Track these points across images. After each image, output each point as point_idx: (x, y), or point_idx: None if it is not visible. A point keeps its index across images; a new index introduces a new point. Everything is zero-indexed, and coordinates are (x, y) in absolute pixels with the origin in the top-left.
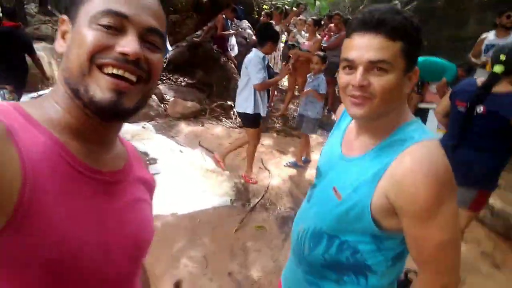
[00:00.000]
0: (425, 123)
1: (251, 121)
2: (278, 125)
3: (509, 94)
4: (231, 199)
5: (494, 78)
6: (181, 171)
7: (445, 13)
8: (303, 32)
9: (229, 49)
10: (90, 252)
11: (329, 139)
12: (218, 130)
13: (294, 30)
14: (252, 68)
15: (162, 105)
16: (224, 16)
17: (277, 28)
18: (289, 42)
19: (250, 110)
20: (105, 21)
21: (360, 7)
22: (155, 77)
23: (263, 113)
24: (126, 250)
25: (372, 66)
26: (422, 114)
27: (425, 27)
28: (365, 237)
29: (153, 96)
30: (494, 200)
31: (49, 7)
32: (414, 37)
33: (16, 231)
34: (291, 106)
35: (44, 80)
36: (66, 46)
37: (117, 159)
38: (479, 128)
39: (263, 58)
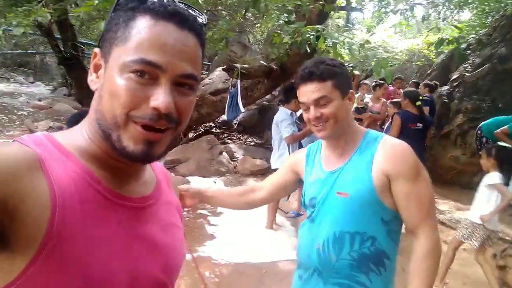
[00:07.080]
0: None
1: None
2: None
3: None
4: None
5: None
6: (250, 222)
7: None
8: (366, 95)
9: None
10: (116, 279)
11: (309, 173)
12: None
13: (359, 94)
14: (282, 124)
15: (232, 162)
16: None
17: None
18: (358, 106)
19: None
20: (138, 68)
21: (428, 71)
22: (184, 122)
23: None
24: (155, 275)
25: (317, 102)
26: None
27: (500, 87)
28: (378, 224)
29: (224, 154)
30: None
31: None
32: (340, 73)
33: (44, 261)
34: None
35: None
36: (99, 84)
37: (146, 185)
38: None
39: (291, 114)
